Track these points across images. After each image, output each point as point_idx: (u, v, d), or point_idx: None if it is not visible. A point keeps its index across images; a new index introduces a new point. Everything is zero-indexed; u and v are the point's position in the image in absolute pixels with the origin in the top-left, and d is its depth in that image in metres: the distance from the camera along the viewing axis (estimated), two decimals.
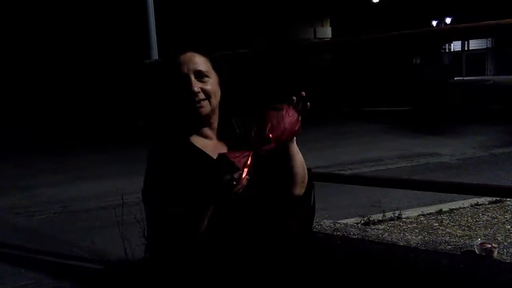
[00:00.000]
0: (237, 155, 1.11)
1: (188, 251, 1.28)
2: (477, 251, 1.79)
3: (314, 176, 1.78)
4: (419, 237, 2.00)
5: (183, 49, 1.32)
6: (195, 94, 1.26)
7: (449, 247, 1.87)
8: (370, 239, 1.99)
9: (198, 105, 1.27)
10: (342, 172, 5.47)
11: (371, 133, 8.52)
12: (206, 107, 1.29)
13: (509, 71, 34.70)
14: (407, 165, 5.76)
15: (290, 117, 1.20)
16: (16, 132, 10.39)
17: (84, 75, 12.57)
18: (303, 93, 1.22)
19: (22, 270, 3.07)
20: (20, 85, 12.45)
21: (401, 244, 1.93)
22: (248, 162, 1.10)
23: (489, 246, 1.78)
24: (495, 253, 1.77)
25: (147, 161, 1.37)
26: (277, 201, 1.40)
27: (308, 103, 1.22)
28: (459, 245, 1.89)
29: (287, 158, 1.31)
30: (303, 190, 1.41)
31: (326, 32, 15.73)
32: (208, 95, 1.28)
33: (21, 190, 5.41)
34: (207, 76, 1.29)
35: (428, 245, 1.90)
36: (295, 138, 1.28)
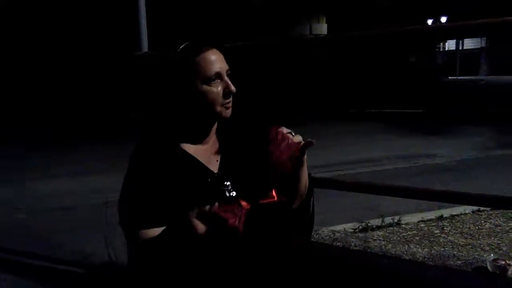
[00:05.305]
0: (236, 217, 1.06)
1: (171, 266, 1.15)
2: (489, 268, 1.65)
3: (313, 182, 1.64)
4: (425, 249, 1.87)
5: (207, 46, 1.18)
6: (232, 94, 1.18)
7: (459, 262, 1.74)
8: (373, 251, 1.85)
9: (227, 105, 1.18)
10: (338, 172, 5.35)
11: (367, 133, 8.41)
12: (231, 108, 1.20)
13: (502, 71, 34.90)
14: (404, 166, 5.65)
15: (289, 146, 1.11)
16: (5, 125, 10.14)
17: (72, 67, 12.33)
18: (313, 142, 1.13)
19: None
20: (8, 77, 12.18)
21: (407, 257, 1.79)
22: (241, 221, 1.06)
23: (503, 262, 1.64)
24: (510, 271, 1.64)
25: (129, 163, 1.21)
26: (275, 214, 1.27)
27: (314, 141, 1.14)
28: (469, 260, 1.75)
29: (295, 177, 1.18)
30: (299, 203, 1.30)
31: (322, 28, 15.59)
32: (233, 96, 1.21)
33: (5, 186, 5.20)
34: (231, 75, 1.21)
35: (436, 259, 1.76)
36: (306, 156, 1.16)
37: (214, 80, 1.15)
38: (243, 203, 1.09)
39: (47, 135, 9.28)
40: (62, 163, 6.45)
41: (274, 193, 1.14)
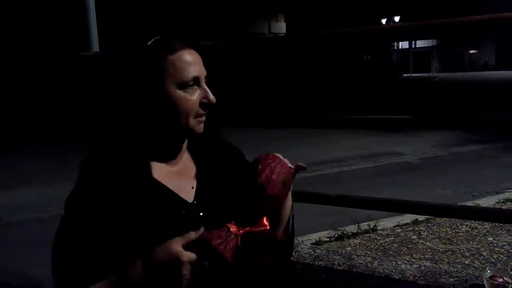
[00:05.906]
0: (221, 239, 0.85)
1: None
2: (487, 287, 1.53)
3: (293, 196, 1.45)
4: (413, 266, 1.72)
5: (183, 44, 0.94)
6: (211, 105, 0.96)
7: (452, 279, 1.60)
8: (358, 269, 1.69)
9: (201, 118, 0.96)
10: (305, 173, 5.23)
11: (330, 132, 8.34)
12: (203, 122, 0.98)
13: (451, 68, 36.62)
14: (370, 166, 5.59)
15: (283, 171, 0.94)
16: None
17: (19, 70, 11.59)
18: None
19: None
20: None
21: (396, 276, 1.64)
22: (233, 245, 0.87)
23: (501, 280, 1.51)
24: None
25: (77, 188, 0.96)
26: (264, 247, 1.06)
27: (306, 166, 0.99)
28: (462, 276, 1.62)
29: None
30: (282, 231, 1.10)
31: (281, 27, 15.53)
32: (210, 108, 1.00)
33: None
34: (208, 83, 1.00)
35: (427, 276, 1.62)
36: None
37: (190, 86, 0.93)
38: (233, 228, 0.89)
39: None
40: (17, 172, 5.95)
41: (265, 221, 0.94)
